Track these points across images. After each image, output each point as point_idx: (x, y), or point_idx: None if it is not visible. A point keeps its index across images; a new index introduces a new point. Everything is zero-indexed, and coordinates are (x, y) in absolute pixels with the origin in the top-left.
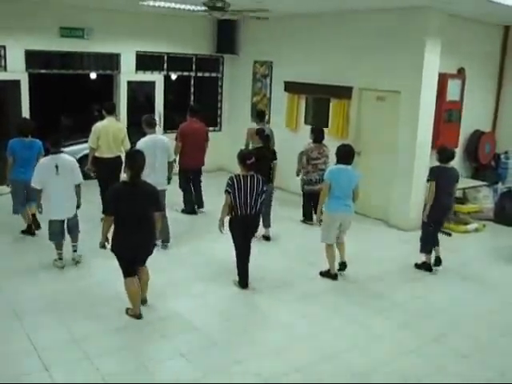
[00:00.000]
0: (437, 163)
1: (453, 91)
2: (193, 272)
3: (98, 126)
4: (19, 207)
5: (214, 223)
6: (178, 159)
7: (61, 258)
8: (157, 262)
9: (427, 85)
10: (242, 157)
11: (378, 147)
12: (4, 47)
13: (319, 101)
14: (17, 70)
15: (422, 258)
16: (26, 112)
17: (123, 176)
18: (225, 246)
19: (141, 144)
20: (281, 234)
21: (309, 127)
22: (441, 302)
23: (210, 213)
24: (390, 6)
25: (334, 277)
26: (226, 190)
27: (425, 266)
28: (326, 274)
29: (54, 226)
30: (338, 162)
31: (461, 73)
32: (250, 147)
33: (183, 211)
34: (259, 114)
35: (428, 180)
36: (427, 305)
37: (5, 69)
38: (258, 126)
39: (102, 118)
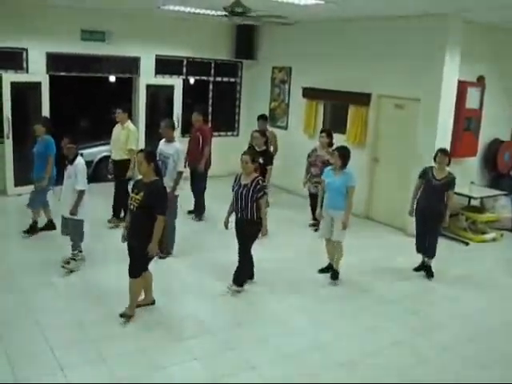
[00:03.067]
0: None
1: (472, 99)
2: (206, 276)
3: (135, 129)
4: (46, 202)
5: (221, 225)
6: (203, 163)
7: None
8: (169, 267)
9: (446, 93)
10: None
11: (395, 154)
12: (26, 50)
13: (337, 107)
14: (38, 72)
15: (420, 260)
16: (46, 113)
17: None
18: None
19: (182, 148)
20: (294, 238)
21: None
22: (455, 311)
23: (218, 217)
24: (409, 14)
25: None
26: (266, 193)
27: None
28: (337, 274)
29: (83, 225)
30: (347, 164)
31: (480, 81)
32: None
33: (198, 218)
34: (263, 117)
35: (454, 189)
36: (440, 313)
37: (26, 71)
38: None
39: (115, 119)
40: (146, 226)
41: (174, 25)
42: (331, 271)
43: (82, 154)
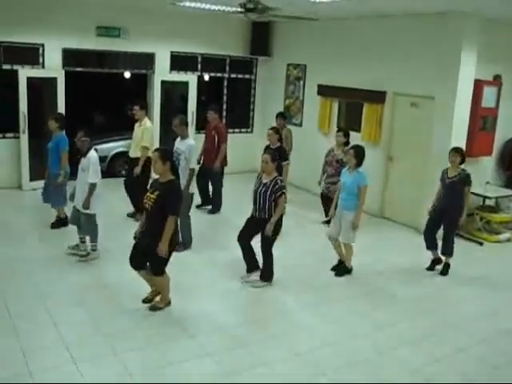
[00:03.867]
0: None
1: (488, 98)
2: (220, 272)
3: (151, 126)
4: (65, 199)
5: (236, 222)
6: (219, 161)
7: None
8: (183, 263)
9: (462, 91)
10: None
11: (410, 153)
12: (43, 45)
13: (352, 105)
14: (54, 67)
15: (446, 259)
16: (61, 108)
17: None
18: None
19: (194, 145)
20: (306, 236)
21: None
22: (468, 311)
23: (230, 212)
24: (425, 11)
25: (351, 270)
26: (284, 192)
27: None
28: (345, 271)
29: (95, 219)
30: (361, 163)
31: (497, 80)
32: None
33: (212, 212)
34: (281, 115)
35: (469, 186)
36: (453, 313)
37: (43, 66)
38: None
39: (134, 116)
40: (161, 226)
41: (190, 21)
42: (341, 267)
43: (96, 149)
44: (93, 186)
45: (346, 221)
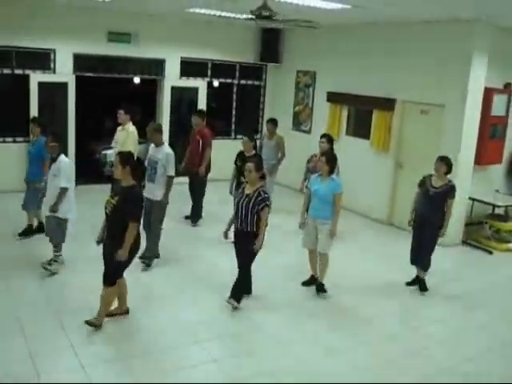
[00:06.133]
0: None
1: (498, 106)
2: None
3: (134, 130)
4: (39, 204)
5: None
6: (204, 167)
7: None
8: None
9: (472, 99)
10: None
11: (419, 161)
12: (54, 50)
13: (361, 112)
14: (65, 72)
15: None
16: (71, 113)
17: None
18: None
19: (171, 152)
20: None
21: (351, 138)
22: (479, 321)
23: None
24: (436, 19)
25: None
26: (267, 204)
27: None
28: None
29: (67, 225)
30: (334, 170)
31: (507, 88)
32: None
33: (194, 223)
34: (270, 121)
35: (453, 198)
36: (462, 323)
37: (54, 71)
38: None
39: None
40: (120, 232)
41: (200, 27)
42: (316, 284)
43: (106, 155)
44: (63, 191)
45: (323, 231)
